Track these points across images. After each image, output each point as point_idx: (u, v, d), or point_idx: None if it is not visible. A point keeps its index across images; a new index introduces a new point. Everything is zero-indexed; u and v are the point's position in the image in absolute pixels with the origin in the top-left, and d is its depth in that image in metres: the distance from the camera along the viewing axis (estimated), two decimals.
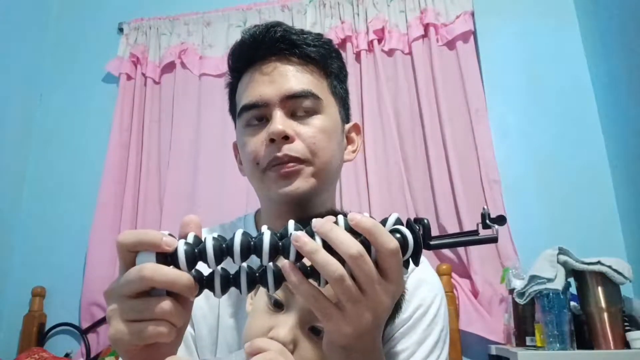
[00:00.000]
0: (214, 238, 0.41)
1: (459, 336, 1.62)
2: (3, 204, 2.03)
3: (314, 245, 0.41)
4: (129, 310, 0.41)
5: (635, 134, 1.60)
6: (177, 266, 0.41)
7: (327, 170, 0.70)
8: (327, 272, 0.41)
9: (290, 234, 0.42)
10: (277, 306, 0.52)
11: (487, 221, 0.44)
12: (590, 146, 1.79)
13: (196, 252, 0.41)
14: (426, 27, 1.97)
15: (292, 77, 0.69)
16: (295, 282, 0.42)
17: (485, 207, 0.45)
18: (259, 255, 0.41)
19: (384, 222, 0.44)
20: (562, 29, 1.94)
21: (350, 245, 0.41)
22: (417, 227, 0.44)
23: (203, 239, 0.42)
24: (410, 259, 0.44)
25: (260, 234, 0.42)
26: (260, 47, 0.70)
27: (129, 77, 2.16)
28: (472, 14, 1.98)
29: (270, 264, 0.43)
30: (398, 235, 0.43)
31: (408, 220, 0.45)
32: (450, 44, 1.97)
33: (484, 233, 0.44)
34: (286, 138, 0.66)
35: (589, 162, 1.77)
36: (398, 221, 0.44)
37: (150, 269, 0.40)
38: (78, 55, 2.29)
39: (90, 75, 2.24)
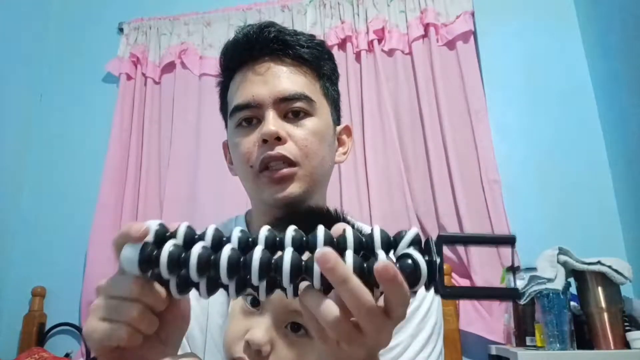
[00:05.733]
0: (203, 247, 0.38)
1: (459, 336, 1.62)
2: (3, 204, 2.03)
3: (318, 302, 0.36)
4: (102, 309, 0.40)
5: (635, 134, 1.60)
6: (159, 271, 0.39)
7: (319, 173, 0.69)
8: (322, 319, 0.36)
9: (283, 253, 0.38)
10: (253, 305, 0.51)
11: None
12: (590, 146, 1.79)
13: (180, 260, 0.38)
14: (426, 27, 1.97)
15: (285, 79, 0.69)
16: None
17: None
18: (248, 274, 0.37)
19: (399, 238, 0.38)
20: (562, 29, 1.94)
21: (363, 303, 0.35)
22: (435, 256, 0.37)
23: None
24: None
25: (251, 252, 0.37)
26: (254, 47, 0.70)
27: (129, 77, 2.16)
28: (472, 14, 1.98)
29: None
30: (409, 261, 0.37)
31: (427, 242, 0.39)
32: (450, 44, 1.96)
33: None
34: (278, 139, 0.65)
35: (589, 162, 1.77)
36: (416, 238, 0.38)
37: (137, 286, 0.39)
38: (78, 55, 2.29)
39: (90, 75, 2.24)
